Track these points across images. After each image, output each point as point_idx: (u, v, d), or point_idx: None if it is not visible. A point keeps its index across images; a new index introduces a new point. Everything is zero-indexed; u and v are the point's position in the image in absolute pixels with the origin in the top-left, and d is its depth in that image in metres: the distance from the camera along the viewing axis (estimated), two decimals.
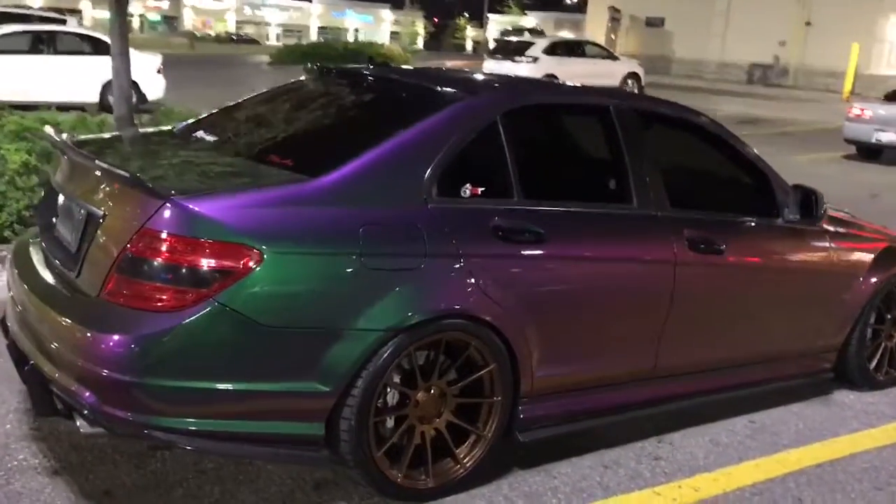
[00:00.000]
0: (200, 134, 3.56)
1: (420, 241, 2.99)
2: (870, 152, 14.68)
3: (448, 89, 3.42)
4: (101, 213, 2.86)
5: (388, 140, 3.08)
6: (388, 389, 3.02)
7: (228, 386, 2.75)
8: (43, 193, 3.60)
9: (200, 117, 4.02)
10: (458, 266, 3.04)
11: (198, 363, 2.71)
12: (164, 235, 2.69)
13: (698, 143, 4.04)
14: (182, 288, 2.68)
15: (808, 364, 4.46)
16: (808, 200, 4.07)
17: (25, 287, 3.17)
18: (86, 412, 2.73)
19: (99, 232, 2.85)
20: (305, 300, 2.80)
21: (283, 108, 3.68)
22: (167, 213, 2.69)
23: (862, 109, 14.58)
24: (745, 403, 4.25)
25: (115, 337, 2.68)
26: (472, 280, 3.07)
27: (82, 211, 3.04)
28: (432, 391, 3.12)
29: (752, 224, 4.06)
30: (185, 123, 4.00)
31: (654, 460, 3.67)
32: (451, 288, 3.04)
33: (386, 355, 2.91)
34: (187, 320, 2.66)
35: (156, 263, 2.70)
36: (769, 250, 4.10)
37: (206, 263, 2.68)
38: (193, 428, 2.75)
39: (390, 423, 3.06)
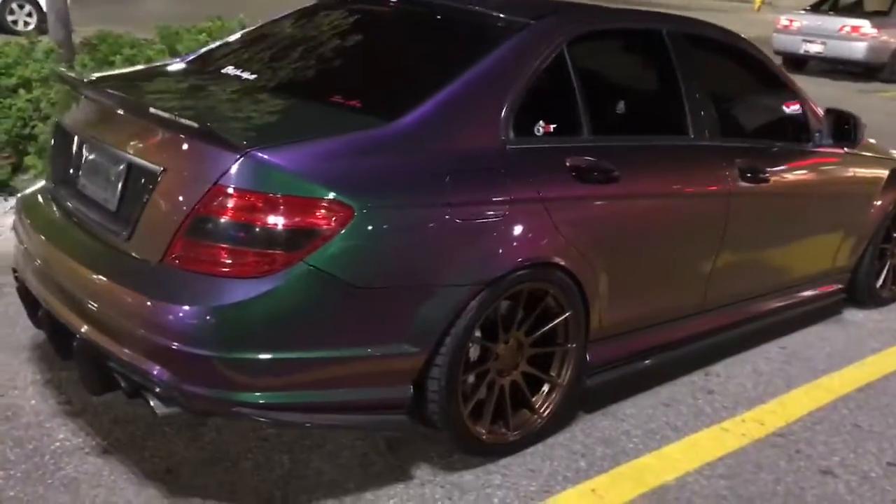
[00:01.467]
0: (232, 70, 3.19)
1: (503, 186, 2.78)
2: (796, 63, 14.93)
3: (511, 16, 3.15)
4: (158, 168, 2.53)
5: (461, 75, 2.82)
6: (471, 344, 2.84)
7: (318, 354, 2.52)
8: (52, 141, 3.18)
9: (213, 48, 3.62)
10: (539, 211, 2.85)
11: (286, 332, 2.46)
12: (242, 193, 2.39)
13: (740, 67, 3.91)
14: (267, 251, 2.41)
15: (828, 286, 4.49)
16: (845, 124, 4.01)
17: (52, 247, 2.83)
18: (160, 391, 2.46)
19: (157, 190, 2.52)
20: (396, 257, 2.57)
21: (324, 39, 3.32)
22: (245, 168, 2.39)
23: (790, 21, 14.76)
24: (771, 330, 4.25)
25: (193, 307, 2.40)
26: (553, 225, 2.89)
27: (121, 164, 2.70)
28: (509, 343, 2.96)
29: (791, 150, 3.99)
30: (194, 55, 3.60)
31: (708, 394, 3.63)
32: (535, 235, 2.86)
33: (474, 309, 2.72)
34: (275, 286, 2.40)
35: (234, 224, 2.41)
36: (805, 176, 4.06)
37: (294, 222, 2.41)
38: (279, 401, 2.52)
39: (471, 379, 2.89)
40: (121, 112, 2.78)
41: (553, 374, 3.11)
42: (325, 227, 2.43)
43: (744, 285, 3.91)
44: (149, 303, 2.46)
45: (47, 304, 2.81)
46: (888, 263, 4.84)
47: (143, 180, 2.60)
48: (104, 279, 2.58)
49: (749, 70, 3.93)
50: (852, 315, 4.72)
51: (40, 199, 3.14)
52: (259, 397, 2.49)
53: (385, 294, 2.56)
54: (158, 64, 3.86)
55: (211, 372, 2.43)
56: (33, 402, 3.14)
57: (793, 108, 4.02)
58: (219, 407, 2.50)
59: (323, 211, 2.42)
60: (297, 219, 2.41)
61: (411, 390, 2.72)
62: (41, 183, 3.29)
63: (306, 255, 2.42)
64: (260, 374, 2.47)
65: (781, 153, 3.94)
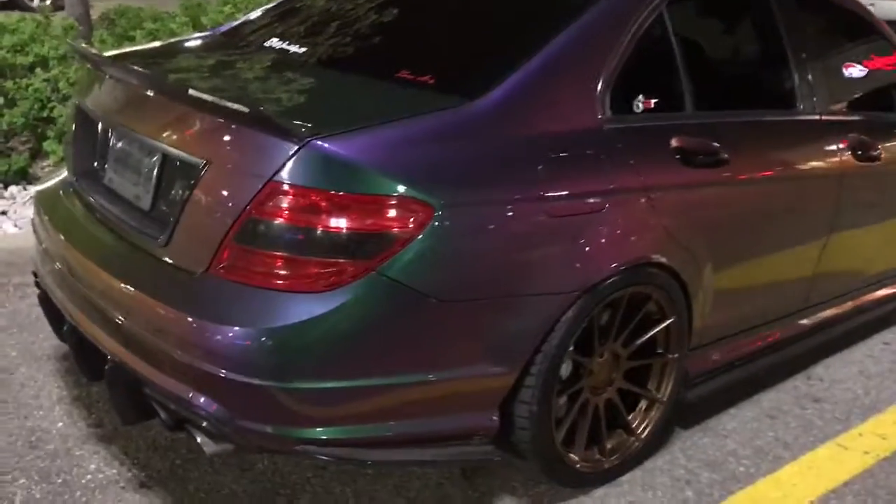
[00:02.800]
0: (275, 43, 2.76)
1: (602, 173, 2.36)
2: None
3: None
4: (200, 161, 2.12)
5: (548, 43, 2.38)
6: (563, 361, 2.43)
7: (392, 380, 2.12)
8: (73, 127, 2.78)
9: (249, 18, 3.20)
10: (643, 202, 2.43)
11: (357, 356, 2.06)
12: (303, 190, 1.99)
13: (846, 28, 3.43)
14: (333, 259, 2.01)
15: None
16: None
17: (76, 250, 2.44)
18: (209, 426, 2.08)
19: (198, 187, 2.11)
20: (483, 263, 2.16)
21: (379, 4, 2.89)
22: (306, 160, 1.98)
23: None
24: (872, 325, 3.81)
25: (247, 328, 2.00)
26: (657, 218, 2.47)
27: (155, 156, 2.30)
28: (604, 356, 2.55)
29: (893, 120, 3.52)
30: (228, 27, 3.19)
31: (815, 402, 3.21)
32: (638, 231, 2.44)
33: (570, 321, 2.31)
34: (344, 301, 1.99)
35: (293, 228, 2.01)
36: None
37: (365, 225, 2.00)
38: (347, 436, 2.12)
39: (562, 400, 2.49)
40: (154, 95, 2.38)
41: (651, 388, 2.70)
42: (401, 229, 2.01)
43: (849, 276, 3.47)
44: (194, 322, 2.06)
45: (72, 318, 2.42)
46: None
47: (181, 175, 2.20)
48: (140, 292, 2.19)
49: (855, 31, 3.45)
50: None
51: (61, 193, 2.74)
52: (324, 432, 2.09)
53: (469, 307, 2.15)
54: (187, 38, 3.41)
55: (269, 404, 2.04)
56: (60, 424, 2.77)
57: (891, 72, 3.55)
58: (278, 445, 2.12)
59: (399, 210, 2.01)
60: (368, 221, 2.00)
61: (498, 416, 2.32)
62: (61, 174, 2.89)
63: (379, 263, 2.01)
64: (326, 405, 2.08)
65: (887, 125, 3.47)
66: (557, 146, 2.29)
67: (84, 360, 2.47)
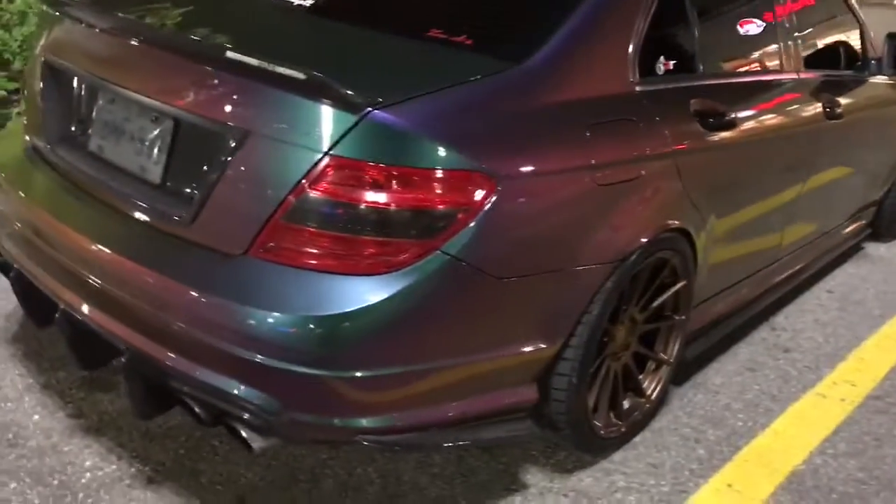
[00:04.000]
0: None
1: (638, 139, 2.31)
2: None
3: None
4: (237, 130, 1.91)
5: (582, 3, 2.28)
6: None
7: (449, 362, 2.02)
8: (39, 85, 2.44)
9: None
10: (670, 167, 2.41)
11: (419, 339, 1.94)
12: (363, 164, 1.83)
13: None
14: (395, 239, 1.87)
15: (860, 221, 4.26)
16: None
17: (68, 229, 2.18)
18: (257, 421, 1.92)
19: (237, 160, 1.91)
20: (539, 237, 2.07)
21: None
22: (367, 132, 1.82)
23: None
24: (814, 274, 3.99)
25: (302, 314, 1.84)
26: (680, 182, 2.45)
27: (164, 121, 2.07)
28: (625, 322, 2.53)
29: (856, 80, 3.66)
30: None
31: (785, 353, 3.34)
32: (668, 196, 2.43)
33: (609, 290, 2.27)
34: (407, 283, 1.86)
35: (352, 206, 1.85)
36: (867, 107, 3.74)
37: (429, 200, 1.87)
38: (403, 423, 2.01)
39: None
40: (160, 50, 2.11)
41: (659, 350, 2.72)
42: (465, 204, 1.89)
43: (812, 226, 3.62)
44: (236, 308, 1.88)
45: (67, 304, 2.17)
46: None
47: (208, 145, 1.97)
48: (161, 275, 1.98)
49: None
50: (875, 250, 4.54)
51: (27, 161, 2.43)
52: (382, 420, 1.97)
53: (524, 283, 2.07)
54: None
55: (325, 394, 1.90)
56: (36, 416, 2.51)
57: (854, 36, 3.68)
58: (336, 435, 1.99)
59: (463, 184, 1.89)
60: (432, 196, 1.87)
61: (537, 391, 2.27)
62: (16, 136, 2.57)
63: (444, 242, 1.89)
64: (383, 392, 1.95)
65: (849, 84, 3.61)
66: (600, 111, 2.22)
67: (83, 349, 2.23)
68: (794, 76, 3.13)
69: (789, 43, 3.10)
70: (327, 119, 1.83)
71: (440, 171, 1.87)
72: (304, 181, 1.84)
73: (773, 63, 3.05)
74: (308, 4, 2.43)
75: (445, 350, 1.99)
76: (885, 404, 3.04)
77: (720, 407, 2.91)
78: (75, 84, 2.32)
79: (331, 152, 1.82)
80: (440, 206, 1.87)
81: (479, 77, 2.03)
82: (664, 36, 2.49)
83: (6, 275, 2.49)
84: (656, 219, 2.37)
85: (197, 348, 1.93)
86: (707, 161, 2.60)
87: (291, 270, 1.88)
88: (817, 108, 3.21)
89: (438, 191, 1.87)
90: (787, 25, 3.11)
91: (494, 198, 1.92)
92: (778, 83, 3.06)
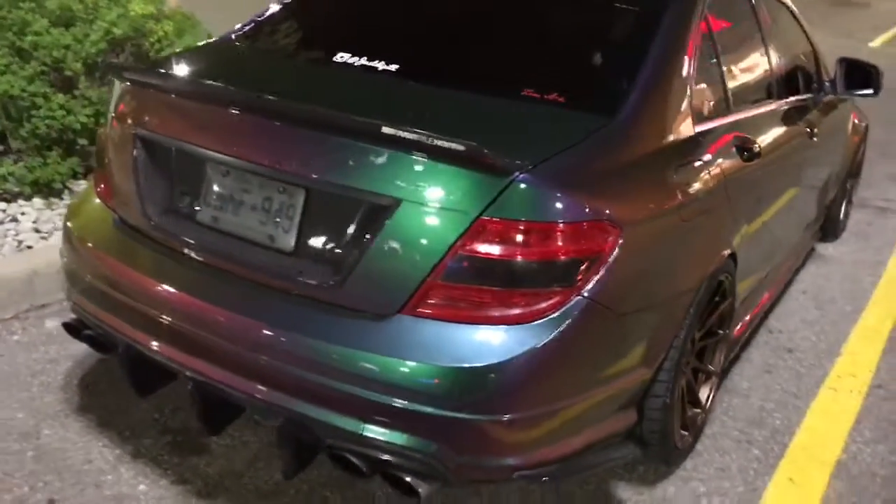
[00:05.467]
0: (347, 57, 2.61)
1: (703, 176, 2.56)
2: None
3: None
4: (388, 199, 2.03)
5: (646, 53, 2.52)
6: None
7: (586, 395, 2.20)
8: (132, 159, 2.47)
9: (269, 24, 2.96)
10: (724, 196, 2.68)
11: (566, 377, 2.12)
12: (513, 223, 1.99)
13: (786, 21, 3.87)
14: (544, 289, 2.04)
15: (818, 225, 4.68)
16: (864, 74, 4.09)
17: (194, 299, 2.24)
18: (425, 468, 2.05)
19: (388, 227, 2.03)
20: (647, 273, 2.29)
21: (455, 15, 2.82)
22: (517, 193, 1.99)
23: None
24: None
25: (465, 366, 1.99)
26: (731, 211, 2.73)
27: (295, 192, 2.17)
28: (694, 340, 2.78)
29: (815, 101, 4.02)
30: (236, 37, 2.95)
31: (788, 353, 3.67)
32: (725, 224, 2.70)
33: (693, 314, 2.52)
34: (558, 328, 2.04)
35: (505, 261, 2.01)
36: (827, 124, 4.11)
37: (572, 251, 2.05)
38: (549, 456, 2.18)
39: None
40: (280, 122, 2.20)
41: (709, 363, 2.98)
42: (599, 251, 2.09)
43: (797, 237, 3.99)
44: (399, 364, 2.01)
45: (205, 377, 2.23)
46: (847, 197, 5.15)
47: (352, 214, 2.09)
48: (312, 338, 2.08)
49: (790, 27, 3.91)
50: (824, 249, 4.98)
51: (121, 235, 2.46)
52: (533, 456, 2.14)
53: (638, 316, 2.28)
54: (212, 49, 3.02)
55: (487, 437, 2.05)
56: (142, 487, 2.53)
57: (812, 61, 4.09)
58: (494, 474, 2.14)
59: (598, 234, 2.08)
60: (574, 247, 2.05)
61: (636, 414, 2.48)
62: (96, 209, 2.58)
63: (583, 286, 2.07)
64: (534, 430, 2.12)
65: (814, 105, 3.98)
66: (678, 153, 2.46)
67: (212, 416, 2.29)
68: (784, 102, 3.48)
69: (777, 73, 3.44)
70: (479, 184, 1.98)
71: (579, 224, 2.05)
72: (458, 242, 1.99)
73: (771, 92, 3.39)
74: (393, 69, 2.55)
75: (582, 385, 2.17)
76: (887, 392, 3.41)
77: (756, 409, 3.20)
78: (178, 157, 2.37)
79: (484, 214, 1.98)
80: (580, 255, 2.06)
81: (589, 134, 2.23)
82: (704, 79, 2.75)
83: (103, 350, 2.52)
84: (720, 245, 2.64)
85: (358, 406, 2.04)
86: (745, 188, 2.88)
87: (447, 325, 2.03)
88: (804, 130, 3.57)
89: (579, 241, 2.05)
90: (774, 57, 3.45)
91: (619, 242, 2.12)
92: (777, 110, 3.39)
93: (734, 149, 2.80)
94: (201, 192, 2.33)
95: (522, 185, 1.99)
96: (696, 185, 2.51)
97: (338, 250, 2.12)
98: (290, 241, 2.19)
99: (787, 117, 3.48)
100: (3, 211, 4.07)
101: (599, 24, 2.77)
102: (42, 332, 3.32)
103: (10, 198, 4.18)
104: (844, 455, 2.96)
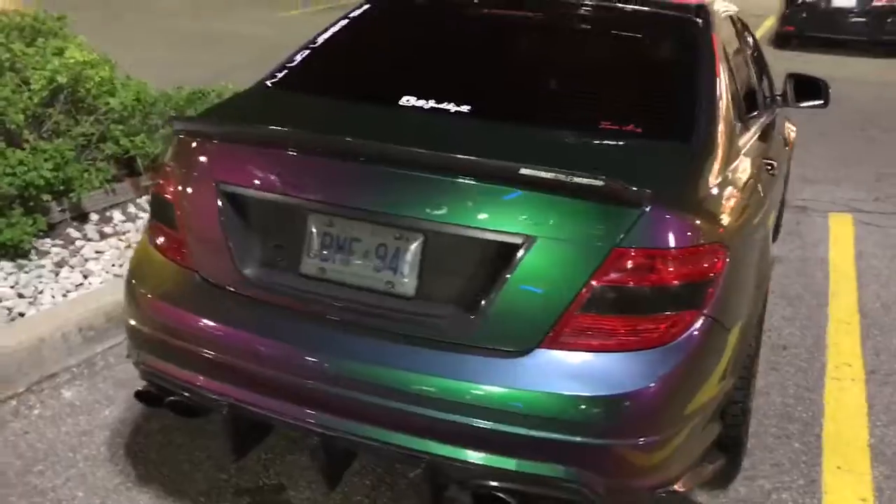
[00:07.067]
0: (413, 100, 2.62)
1: (757, 185, 2.80)
2: None
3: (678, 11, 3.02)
4: (522, 236, 2.07)
5: (696, 79, 2.69)
6: None
7: (703, 411, 2.30)
8: (217, 216, 2.38)
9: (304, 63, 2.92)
10: (767, 205, 2.89)
11: (694, 395, 2.22)
12: (646, 252, 2.08)
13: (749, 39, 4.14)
14: (674, 312, 2.13)
15: None
16: (813, 87, 4.40)
17: (305, 351, 2.21)
18: (580, 497, 2.10)
19: (520, 265, 2.07)
20: (743, 285, 2.42)
21: (523, 57, 2.91)
22: (648, 224, 2.08)
23: None
24: None
25: (616, 393, 2.06)
26: (767, 217, 2.95)
27: (411, 237, 2.18)
28: None
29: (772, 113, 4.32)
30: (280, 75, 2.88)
31: (784, 350, 3.93)
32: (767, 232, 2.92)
33: (759, 319, 2.69)
34: (689, 348, 2.14)
35: (640, 290, 2.09)
36: (779, 133, 4.40)
37: (696, 274, 2.15)
38: (680, 471, 2.28)
39: None
40: (389, 168, 2.19)
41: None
42: (717, 272, 2.21)
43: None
44: (546, 397, 2.05)
45: (325, 429, 2.19)
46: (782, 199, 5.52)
47: (479, 255, 2.12)
48: (454, 380, 2.09)
49: (749, 37, 4.20)
50: (773, 250, 5.32)
51: (215, 296, 2.36)
52: (671, 472, 2.23)
53: (737, 327, 2.40)
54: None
55: (636, 461, 2.13)
56: None
57: (767, 75, 4.39)
58: (640, 495, 2.20)
59: (714, 257, 2.20)
60: (699, 269, 2.16)
61: (721, 421, 2.61)
62: (168, 272, 2.48)
63: (706, 306, 2.18)
64: (672, 448, 2.20)
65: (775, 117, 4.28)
66: (739, 170, 2.62)
67: (335, 469, 2.26)
68: (761, 115, 3.72)
69: (755, 87, 3.69)
70: (613, 216, 2.06)
71: (701, 247, 2.16)
72: (595, 274, 2.05)
73: (755, 105, 3.61)
74: (466, 110, 2.58)
75: (704, 400, 2.27)
76: (882, 376, 3.71)
77: (779, 405, 3.41)
78: (272, 210, 2.32)
79: (619, 245, 2.05)
80: (703, 277, 2.17)
81: (683, 161, 2.35)
82: (733, 97, 2.94)
83: (189, 415, 2.44)
84: (768, 253, 2.82)
85: (505, 442, 2.07)
86: (769, 196, 3.09)
87: (587, 355, 2.09)
88: (779, 141, 3.85)
89: (702, 264, 2.16)
90: (753, 71, 3.70)
91: (729, 262, 2.25)
92: (762, 123, 3.62)
93: (762, 161, 3.00)
94: (303, 243, 2.29)
95: (653, 215, 2.08)
96: (755, 197, 2.69)
97: (466, 291, 2.14)
98: (411, 286, 2.19)
99: (767, 129, 3.73)
100: None
101: (656, 58, 2.92)
102: (63, 404, 3.13)
103: None
104: (874, 440, 3.20)
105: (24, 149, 4.37)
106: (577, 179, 2.01)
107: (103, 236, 4.40)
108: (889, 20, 12.82)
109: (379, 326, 2.20)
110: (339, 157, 2.25)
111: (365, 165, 2.22)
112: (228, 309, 2.33)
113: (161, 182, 2.52)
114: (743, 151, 2.79)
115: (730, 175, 2.54)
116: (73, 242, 4.28)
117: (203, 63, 8.80)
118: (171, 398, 2.42)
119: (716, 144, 2.53)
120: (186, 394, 2.38)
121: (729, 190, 2.48)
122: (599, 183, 2.01)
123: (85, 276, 3.92)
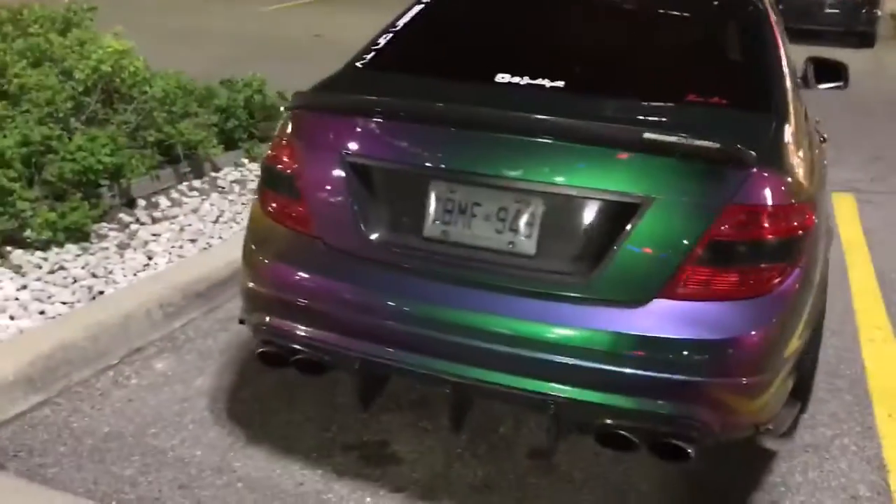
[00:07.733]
0: (508, 77, 2.79)
1: (819, 150, 3.01)
2: None
3: None
4: (641, 197, 2.28)
5: (772, 56, 2.89)
6: None
7: (794, 355, 2.51)
8: (344, 186, 2.53)
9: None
10: (823, 170, 3.12)
11: (789, 339, 2.43)
12: (755, 208, 2.29)
13: None
14: (777, 264, 2.35)
15: None
16: (833, 69, 4.65)
17: (437, 306, 2.40)
18: (698, 434, 2.31)
19: (639, 224, 2.28)
20: (819, 241, 2.62)
21: (603, 32, 3.14)
22: (757, 182, 2.29)
23: None
24: None
25: (721, 337, 2.28)
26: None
27: (531, 200, 2.37)
28: None
29: None
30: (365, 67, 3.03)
31: None
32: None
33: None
34: (789, 297, 2.37)
35: (749, 243, 2.31)
36: None
37: (794, 230, 2.37)
38: (772, 413, 2.50)
39: None
40: (516, 134, 2.38)
41: None
42: (809, 227, 2.43)
43: None
44: (668, 343, 2.26)
45: (458, 378, 2.37)
46: None
47: (600, 215, 2.32)
48: (586, 329, 2.28)
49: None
50: None
51: (342, 260, 2.52)
52: (766, 413, 2.45)
53: (816, 281, 2.61)
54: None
55: (742, 399, 2.35)
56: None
57: None
58: (746, 431, 2.44)
59: (805, 214, 2.42)
60: (794, 226, 2.37)
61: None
62: (292, 241, 2.63)
63: (800, 260, 2.40)
64: (773, 387, 2.41)
65: None
66: (810, 138, 2.85)
67: (461, 414, 2.45)
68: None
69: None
70: (725, 176, 2.27)
71: (796, 206, 2.38)
72: (709, 230, 2.26)
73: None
74: (561, 85, 2.76)
75: (796, 345, 2.49)
76: None
77: (824, 363, 3.59)
78: (397, 179, 2.51)
79: (731, 202, 2.26)
80: (798, 232, 2.38)
81: (772, 128, 2.57)
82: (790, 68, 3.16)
83: (314, 372, 2.59)
84: (831, 214, 3.06)
85: (630, 384, 2.27)
86: (822, 156, 3.32)
87: (702, 304, 2.29)
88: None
89: (799, 219, 2.38)
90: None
91: (814, 219, 2.47)
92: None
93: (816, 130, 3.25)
94: (426, 208, 2.46)
95: (759, 175, 2.29)
96: (821, 162, 2.93)
97: (586, 248, 2.33)
98: (532, 245, 2.37)
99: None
100: (45, 259, 3.91)
101: (728, 36, 3.14)
102: (156, 374, 3.27)
103: (39, 245, 4.01)
104: None
105: (92, 136, 4.47)
106: (696, 142, 2.22)
107: (154, 220, 4.51)
108: (863, 11, 13.24)
109: (502, 283, 2.38)
110: (460, 127, 2.43)
111: (485, 134, 2.41)
112: (357, 272, 2.49)
113: (276, 154, 2.67)
114: (806, 121, 3.02)
115: (804, 141, 2.76)
116: (127, 226, 4.40)
117: (200, 58, 8.86)
118: (298, 357, 2.57)
119: (791, 113, 2.74)
120: (318, 352, 2.54)
121: (806, 154, 2.70)
122: (716, 146, 2.22)
123: (149, 258, 4.04)
